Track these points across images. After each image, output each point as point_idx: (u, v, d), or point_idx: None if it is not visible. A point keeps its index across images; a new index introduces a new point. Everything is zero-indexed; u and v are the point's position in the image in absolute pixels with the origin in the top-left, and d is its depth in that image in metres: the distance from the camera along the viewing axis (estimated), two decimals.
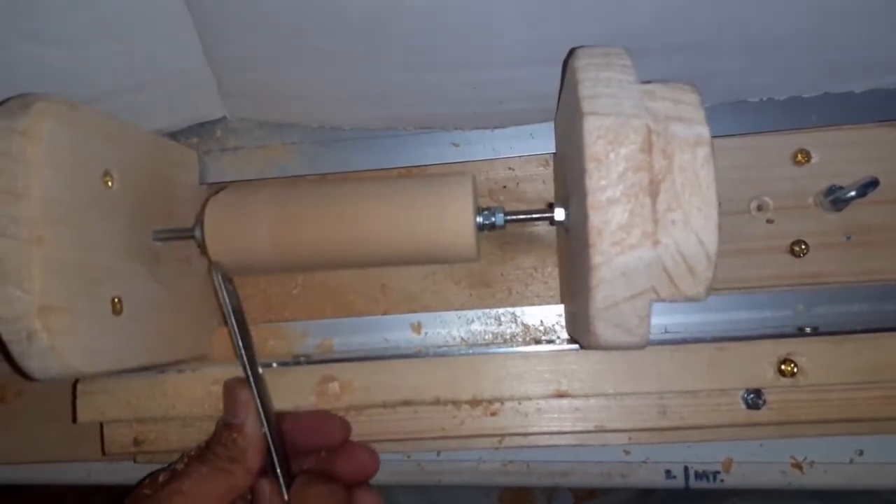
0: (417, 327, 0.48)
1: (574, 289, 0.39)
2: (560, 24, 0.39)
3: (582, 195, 0.31)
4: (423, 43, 0.41)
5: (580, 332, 0.37)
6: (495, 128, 0.48)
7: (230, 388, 0.41)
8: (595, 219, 0.30)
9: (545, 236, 0.50)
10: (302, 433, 0.42)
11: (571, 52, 0.34)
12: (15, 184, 0.32)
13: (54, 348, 0.33)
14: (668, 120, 0.30)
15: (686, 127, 0.30)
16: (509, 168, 0.50)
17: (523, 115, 0.47)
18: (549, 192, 0.50)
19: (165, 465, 0.41)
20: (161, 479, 0.39)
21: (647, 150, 0.30)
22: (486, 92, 0.45)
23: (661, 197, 0.30)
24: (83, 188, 0.36)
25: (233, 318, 0.40)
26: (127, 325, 0.39)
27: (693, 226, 0.30)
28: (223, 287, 0.41)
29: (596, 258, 0.30)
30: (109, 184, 0.39)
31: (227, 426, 0.40)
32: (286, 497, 0.39)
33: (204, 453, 0.40)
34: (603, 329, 0.32)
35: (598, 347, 0.34)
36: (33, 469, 0.56)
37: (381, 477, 0.54)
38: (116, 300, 0.38)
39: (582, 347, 0.41)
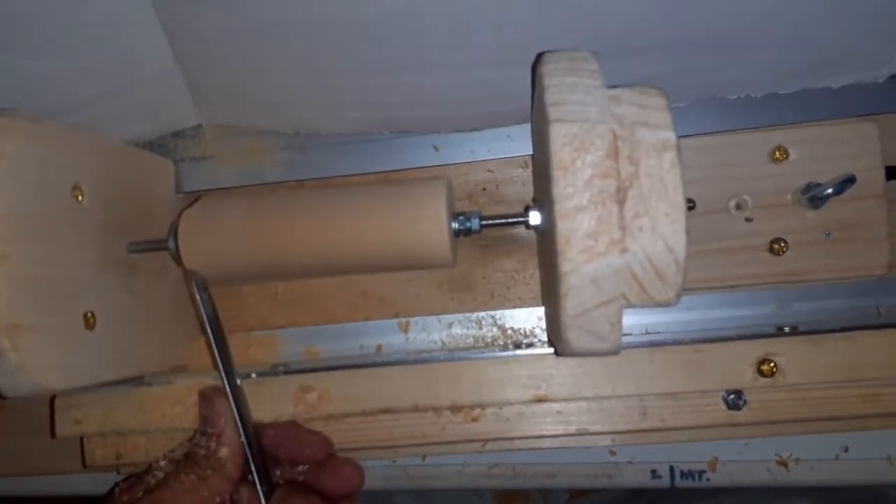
0: (405, 326, 0.48)
1: (550, 292, 0.38)
2: (535, 26, 0.38)
3: (550, 202, 0.31)
4: (399, 46, 0.40)
5: (555, 338, 0.37)
6: (473, 130, 0.48)
7: (207, 397, 0.41)
8: (563, 227, 0.30)
9: (526, 238, 0.49)
10: (282, 445, 0.42)
11: (538, 58, 0.34)
12: None
13: (24, 367, 0.33)
14: (634, 125, 0.30)
15: (652, 132, 0.30)
16: (488, 171, 0.50)
17: (501, 116, 0.47)
18: (528, 194, 0.49)
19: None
20: (138, 488, 0.39)
21: (613, 157, 0.29)
22: (463, 94, 0.45)
23: (629, 203, 0.30)
24: (51, 203, 0.36)
25: (208, 326, 0.40)
26: (101, 339, 0.38)
27: (661, 231, 0.30)
28: (200, 296, 0.40)
29: (564, 266, 0.30)
30: (79, 198, 0.38)
31: (205, 435, 0.40)
32: None
33: (183, 462, 0.40)
34: (575, 336, 0.32)
35: (571, 354, 0.34)
36: (16, 482, 0.55)
37: (366, 482, 0.54)
38: (89, 314, 0.38)
39: (557, 354, 0.41)
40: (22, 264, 0.33)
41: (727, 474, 0.52)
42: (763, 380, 0.40)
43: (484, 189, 0.50)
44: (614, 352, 0.33)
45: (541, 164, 0.37)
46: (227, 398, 0.40)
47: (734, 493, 0.67)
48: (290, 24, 0.39)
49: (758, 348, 0.40)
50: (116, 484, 0.40)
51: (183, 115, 0.49)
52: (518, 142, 0.47)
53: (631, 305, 0.31)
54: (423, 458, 0.53)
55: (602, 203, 0.29)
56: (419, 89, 0.44)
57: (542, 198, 0.38)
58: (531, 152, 0.47)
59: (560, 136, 0.30)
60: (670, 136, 0.30)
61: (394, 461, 0.54)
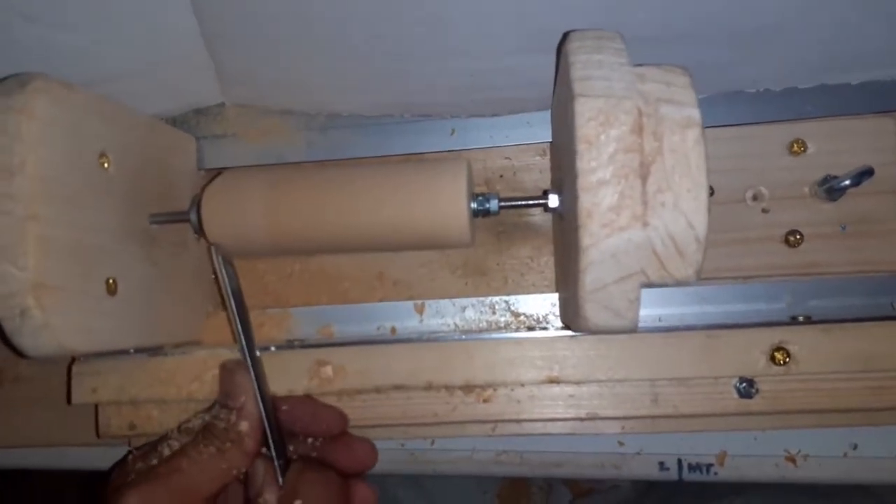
0: (421, 308, 0.48)
1: (566, 274, 0.39)
2: (554, 14, 0.39)
3: (573, 178, 0.31)
4: (422, 32, 0.41)
5: (571, 316, 0.37)
6: (492, 115, 0.48)
7: (229, 370, 0.41)
8: (585, 200, 0.30)
9: (541, 226, 0.50)
10: (298, 419, 0.42)
11: (565, 36, 0.34)
12: (10, 160, 0.33)
13: (47, 326, 0.34)
14: (658, 102, 0.30)
15: (677, 109, 0.30)
16: (506, 157, 0.50)
17: (520, 102, 0.47)
18: (545, 182, 0.50)
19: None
20: (153, 455, 0.39)
21: (637, 132, 0.30)
22: (483, 80, 0.45)
23: (651, 179, 0.30)
24: (79, 168, 0.37)
25: (232, 300, 0.40)
26: (121, 305, 0.39)
27: (683, 208, 0.30)
28: (223, 269, 0.41)
29: (585, 240, 0.30)
30: (105, 165, 0.39)
31: (225, 408, 0.40)
32: (280, 481, 0.39)
33: (202, 434, 0.40)
34: (592, 312, 0.32)
35: (588, 331, 0.34)
36: (29, 453, 0.56)
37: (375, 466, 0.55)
38: (111, 281, 0.38)
39: (573, 332, 0.41)
40: (50, 225, 0.34)
41: (735, 469, 0.52)
42: (776, 368, 0.40)
43: (501, 176, 0.50)
44: (631, 329, 0.33)
45: (562, 144, 0.38)
46: (249, 372, 0.40)
47: (742, 493, 0.67)
48: (315, 7, 0.39)
49: (771, 336, 0.40)
50: (130, 451, 0.41)
51: (207, 93, 0.49)
52: (537, 128, 0.48)
53: (650, 282, 0.31)
54: (432, 441, 0.53)
55: (625, 177, 0.30)
56: (441, 75, 0.45)
57: (562, 180, 0.39)
58: (550, 139, 0.47)
59: (585, 111, 0.30)
60: (695, 113, 0.30)
61: (402, 444, 0.54)
